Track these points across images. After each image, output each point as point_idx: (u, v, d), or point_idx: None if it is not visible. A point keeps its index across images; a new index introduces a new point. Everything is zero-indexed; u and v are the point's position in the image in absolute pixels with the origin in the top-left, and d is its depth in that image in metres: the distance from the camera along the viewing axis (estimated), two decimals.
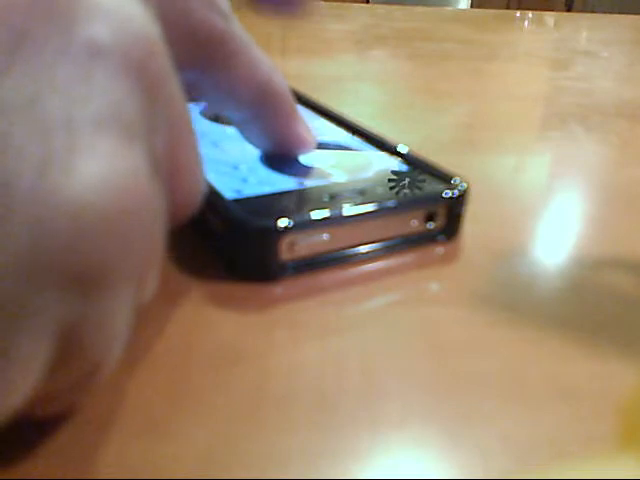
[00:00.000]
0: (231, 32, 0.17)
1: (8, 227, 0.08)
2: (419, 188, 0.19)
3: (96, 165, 0.09)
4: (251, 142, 0.20)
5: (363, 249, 0.18)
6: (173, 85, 0.12)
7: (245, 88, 0.18)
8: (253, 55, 0.18)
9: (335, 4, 0.78)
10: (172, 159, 0.13)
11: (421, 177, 0.20)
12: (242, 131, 0.20)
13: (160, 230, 0.11)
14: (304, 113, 0.26)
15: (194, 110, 0.25)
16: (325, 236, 0.17)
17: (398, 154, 0.22)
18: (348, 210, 0.17)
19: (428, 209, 0.19)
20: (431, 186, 0.19)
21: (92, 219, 0.09)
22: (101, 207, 0.09)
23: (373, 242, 0.19)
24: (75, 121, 0.09)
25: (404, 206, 0.18)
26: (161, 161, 0.12)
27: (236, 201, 0.18)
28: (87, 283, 0.09)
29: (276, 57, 0.46)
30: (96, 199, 0.09)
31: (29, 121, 0.09)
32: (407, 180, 0.19)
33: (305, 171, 0.20)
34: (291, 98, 0.19)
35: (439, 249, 0.19)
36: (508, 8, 2.34)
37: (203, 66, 0.17)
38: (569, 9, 2.46)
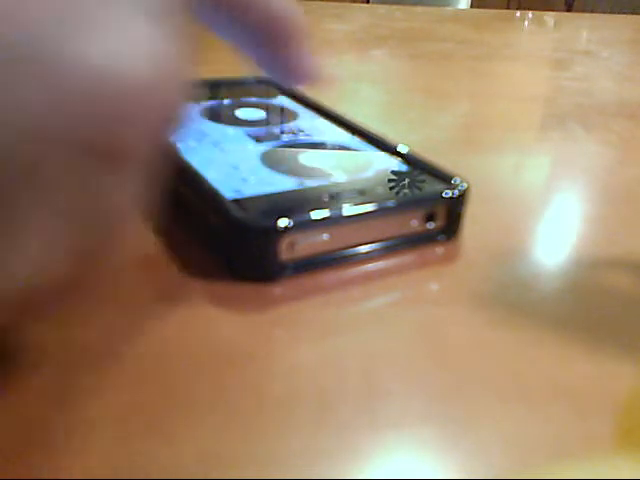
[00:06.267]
0: None
1: (30, 88, 0.08)
2: (419, 188, 0.19)
3: (121, 38, 0.09)
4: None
5: (363, 249, 0.18)
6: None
7: (254, 15, 0.17)
8: None
9: (335, 4, 0.78)
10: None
11: (421, 177, 0.20)
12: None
13: (176, 120, 0.11)
14: (305, 113, 0.26)
15: (194, 110, 0.25)
16: (325, 236, 0.17)
17: (398, 154, 0.22)
18: (348, 210, 0.17)
19: (428, 209, 0.19)
20: (431, 186, 0.19)
21: (112, 88, 0.09)
22: (122, 78, 0.09)
23: (373, 242, 0.19)
24: None
25: (404, 206, 0.18)
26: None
27: (236, 201, 0.18)
28: (99, 151, 0.09)
29: None
30: (119, 70, 0.09)
31: None
32: (407, 180, 0.20)
33: (305, 171, 0.20)
34: (303, 31, 0.19)
35: (439, 249, 0.19)
36: (508, 8, 2.34)
37: None
38: (569, 9, 2.46)
